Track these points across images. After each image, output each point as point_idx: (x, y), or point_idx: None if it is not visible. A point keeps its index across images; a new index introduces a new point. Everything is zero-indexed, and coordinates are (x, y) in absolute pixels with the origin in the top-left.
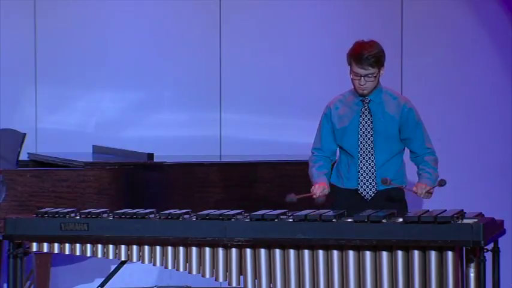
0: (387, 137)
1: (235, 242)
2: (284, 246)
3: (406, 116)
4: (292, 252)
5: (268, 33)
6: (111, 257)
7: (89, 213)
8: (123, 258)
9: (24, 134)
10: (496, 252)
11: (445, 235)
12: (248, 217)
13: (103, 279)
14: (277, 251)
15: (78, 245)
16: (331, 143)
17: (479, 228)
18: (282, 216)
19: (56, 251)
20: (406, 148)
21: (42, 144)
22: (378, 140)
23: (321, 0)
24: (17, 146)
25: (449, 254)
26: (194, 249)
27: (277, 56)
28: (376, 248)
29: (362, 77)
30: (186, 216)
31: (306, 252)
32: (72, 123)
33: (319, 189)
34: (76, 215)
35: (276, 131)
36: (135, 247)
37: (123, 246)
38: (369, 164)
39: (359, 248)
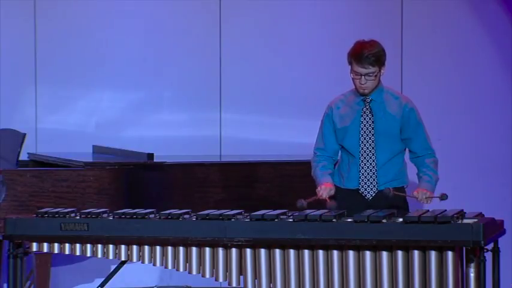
0: (388, 137)
1: (235, 242)
2: (284, 246)
3: (408, 115)
4: (292, 252)
5: (268, 33)
6: (111, 257)
7: (89, 213)
8: (123, 258)
9: (24, 134)
10: (496, 252)
11: (445, 235)
12: (248, 217)
13: (103, 279)
14: (277, 251)
15: (78, 245)
16: (333, 142)
17: (479, 228)
18: (282, 216)
19: (56, 251)
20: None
21: (42, 144)
22: (379, 140)
23: (321, 0)
24: (17, 146)
25: (449, 254)
26: (194, 249)
27: (277, 56)
28: (376, 248)
29: (362, 76)
30: (186, 216)
31: (306, 252)
32: (72, 123)
33: (325, 190)
34: (76, 215)
35: (276, 131)
36: (135, 247)
37: (123, 246)
38: (370, 164)
39: (359, 248)
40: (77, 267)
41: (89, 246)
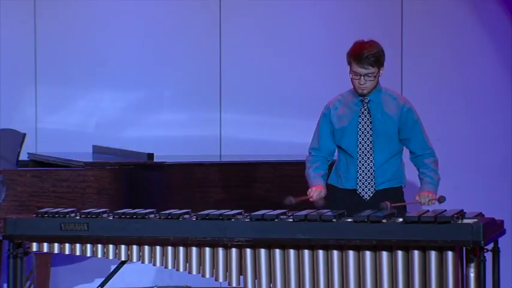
0: (386, 137)
1: (235, 242)
2: (284, 246)
3: (405, 116)
4: (292, 252)
5: (268, 33)
6: (111, 257)
7: (89, 213)
8: (123, 258)
9: (24, 134)
10: (496, 252)
11: (445, 235)
12: (248, 217)
13: (103, 279)
14: (277, 251)
15: (78, 245)
16: (329, 143)
17: (479, 228)
18: (282, 216)
19: (56, 251)
20: (405, 148)
21: (42, 144)
22: (377, 140)
23: (321, 0)
24: (17, 146)
25: (449, 254)
26: (194, 249)
27: (277, 56)
28: (376, 248)
29: (362, 77)
30: (186, 216)
31: (306, 252)
32: (72, 123)
33: (316, 192)
34: (76, 215)
35: (276, 131)
36: (135, 247)
37: (123, 246)
38: (368, 164)
39: (359, 248)
40: (77, 267)
41: (89, 246)
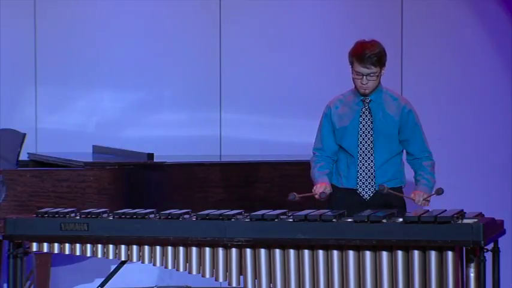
0: (387, 137)
1: (235, 242)
2: (284, 246)
3: (406, 117)
4: (292, 252)
5: (268, 33)
6: (111, 257)
7: (89, 213)
8: (123, 258)
9: (24, 134)
10: (496, 252)
11: (445, 235)
12: (248, 217)
13: (103, 279)
14: (277, 251)
15: (78, 245)
16: (332, 142)
17: (479, 228)
18: (282, 216)
19: (56, 251)
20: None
21: (42, 144)
22: (378, 140)
23: (321, 0)
24: (17, 146)
25: (449, 254)
26: (194, 249)
27: (277, 56)
28: (376, 248)
29: (364, 76)
30: (186, 216)
31: (306, 252)
32: (72, 123)
33: (321, 188)
34: (76, 215)
35: (276, 131)
36: (135, 247)
37: (123, 246)
38: (368, 164)
39: (359, 248)
40: (77, 267)
41: (89, 246)
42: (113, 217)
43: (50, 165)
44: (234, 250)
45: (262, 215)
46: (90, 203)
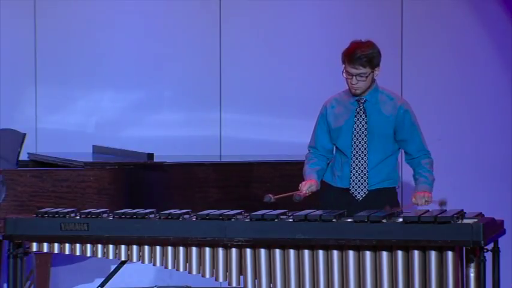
0: (382, 138)
1: (235, 242)
2: (284, 246)
3: (402, 117)
4: (292, 252)
5: (268, 33)
6: (111, 257)
7: (89, 213)
8: (123, 258)
9: (24, 134)
10: (496, 252)
11: (445, 235)
12: (248, 217)
13: (103, 279)
14: (277, 251)
15: (78, 245)
16: (326, 142)
17: (479, 228)
18: (282, 216)
19: (56, 251)
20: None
21: (42, 144)
22: (373, 140)
23: (321, 0)
24: (17, 146)
25: (449, 254)
26: (194, 249)
27: (277, 56)
28: (376, 248)
29: (354, 77)
30: (186, 216)
31: (306, 252)
32: (72, 123)
33: (306, 186)
34: (76, 215)
35: (276, 131)
36: (135, 247)
37: (123, 246)
38: (362, 165)
39: (359, 248)
40: (77, 267)
41: (89, 246)
42: (113, 217)
43: (50, 165)
44: (234, 250)
45: (262, 215)
46: (90, 203)
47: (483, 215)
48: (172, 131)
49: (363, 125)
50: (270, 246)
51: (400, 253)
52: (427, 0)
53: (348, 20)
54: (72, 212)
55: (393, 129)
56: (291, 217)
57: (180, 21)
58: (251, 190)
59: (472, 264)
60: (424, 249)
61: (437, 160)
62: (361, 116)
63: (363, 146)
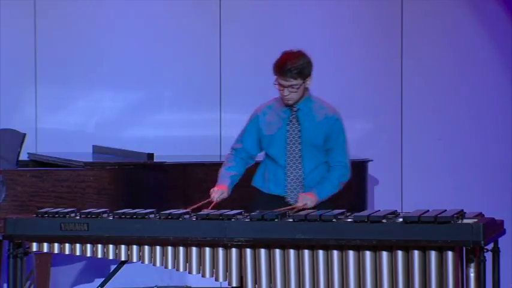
0: (314, 146)
1: (235, 242)
2: (284, 246)
3: (333, 125)
4: (292, 252)
5: (268, 33)
6: (111, 257)
7: (89, 213)
8: (123, 258)
9: (24, 134)
10: (496, 252)
11: (445, 235)
12: (248, 217)
13: (103, 279)
14: (277, 251)
15: (78, 245)
16: (251, 147)
17: (479, 228)
18: (282, 216)
19: (56, 251)
20: None
21: (42, 144)
22: (306, 148)
23: (321, 1)
24: (17, 146)
25: (449, 254)
26: (194, 249)
27: (277, 56)
28: (376, 248)
29: (285, 88)
30: (186, 216)
31: (306, 252)
32: (72, 123)
33: (218, 193)
34: (76, 215)
35: None
36: (135, 247)
37: (123, 246)
38: (297, 173)
39: (359, 248)
40: (77, 267)
41: (89, 246)
42: (113, 217)
43: (50, 165)
44: (234, 250)
45: (262, 215)
46: (90, 203)
47: (483, 215)
48: (172, 131)
49: (296, 133)
50: (270, 246)
51: (400, 253)
52: (427, 0)
53: (348, 20)
54: (72, 212)
55: (323, 138)
56: (291, 217)
57: (180, 22)
58: (251, 190)
59: (472, 264)
60: (424, 249)
61: (437, 160)
62: (294, 124)
63: (297, 154)
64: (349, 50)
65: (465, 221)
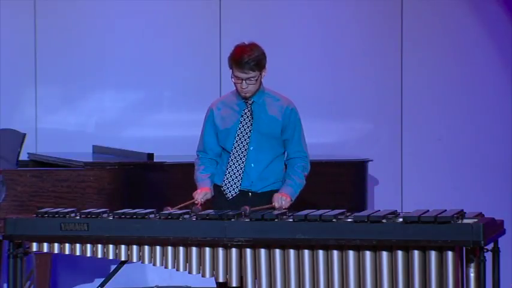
0: (270, 138)
1: (235, 242)
2: (284, 246)
3: (289, 116)
4: (292, 252)
5: (268, 33)
6: (111, 257)
7: (89, 213)
8: (123, 258)
9: (24, 134)
10: (496, 252)
11: (445, 235)
12: (248, 217)
13: (103, 279)
14: (277, 251)
15: (78, 245)
16: (214, 145)
17: (479, 228)
18: (282, 216)
19: (56, 251)
20: None
21: (42, 144)
22: (262, 142)
23: (321, 1)
24: (17, 146)
25: (449, 254)
26: (194, 249)
27: (276, 55)
28: (376, 248)
29: (243, 81)
30: (186, 216)
31: (306, 252)
32: (72, 123)
33: (201, 194)
34: (76, 215)
35: None
36: (135, 247)
37: (123, 246)
38: (239, 165)
39: (359, 248)
40: (77, 267)
41: (89, 246)
42: (113, 217)
43: (50, 165)
44: (234, 250)
45: (262, 215)
46: (90, 203)
47: (483, 215)
48: (172, 131)
49: (248, 126)
50: (270, 246)
51: (400, 253)
52: (427, 0)
53: (348, 20)
54: (72, 212)
55: (280, 130)
56: (291, 217)
57: (180, 21)
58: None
59: (472, 264)
60: (424, 249)
61: (437, 160)
62: (247, 117)
63: (244, 146)
64: (349, 50)
65: (465, 221)
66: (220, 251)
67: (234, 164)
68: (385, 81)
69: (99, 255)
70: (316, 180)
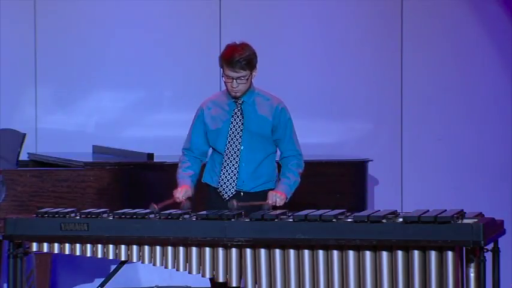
0: (261, 138)
1: (235, 242)
2: (284, 246)
3: (279, 115)
4: (292, 252)
5: (268, 33)
6: (111, 257)
7: (89, 213)
8: (123, 258)
9: (24, 134)
10: (496, 252)
11: (445, 235)
12: (248, 217)
13: (103, 279)
14: (277, 251)
15: (78, 245)
16: (201, 144)
17: (479, 228)
18: (282, 216)
19: (56, 251)
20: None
21: (42, 144)
22: (252, 141)
23: (321, 0)
24: (17, 146)
25: (449, 254)
26: (194, 249)
27: (276, 56)
28: (376, 248)
29: (234, 80)
30: (186, 216)
31: (306, 252)
32: (72, 123)
33: (181, 193)
34: (76, 215)
35: None
36: (135, 247)
37: (123, 246)
38: (233, 165)
39: (359, 248)
40: (77, 267)
41: (89, 246)
42: (113, 217)
43: (50, 165)
44: (234, 250)
45: (262, 215)
46: (90, 203)
47: (483, 215)
48: (172, 131)
49: (239, 126)
50: (270, 246)
51: (400, 253)
52: (427, 0)
53: (348, 20)
54: (72, 212)
55: (271, 129)
56: (291, 217)
57: (180, 21)
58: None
59: (472, 264)
60: (424, 249)
61: (437, 160)
62: (238, 117)
63: (236, 146)
64: (349, 50)
65: (465, 221)
66: (220, 251)
67: (228, 164)
68: (385, 81)
69: (99, 255)
70: (316, 180)
